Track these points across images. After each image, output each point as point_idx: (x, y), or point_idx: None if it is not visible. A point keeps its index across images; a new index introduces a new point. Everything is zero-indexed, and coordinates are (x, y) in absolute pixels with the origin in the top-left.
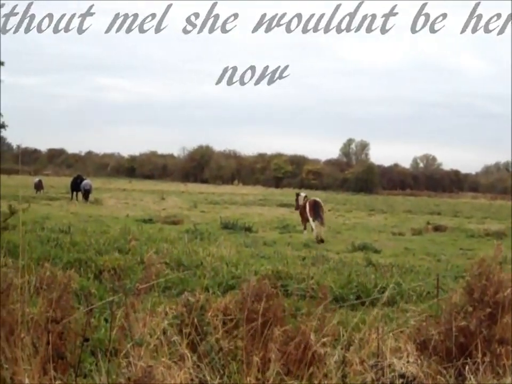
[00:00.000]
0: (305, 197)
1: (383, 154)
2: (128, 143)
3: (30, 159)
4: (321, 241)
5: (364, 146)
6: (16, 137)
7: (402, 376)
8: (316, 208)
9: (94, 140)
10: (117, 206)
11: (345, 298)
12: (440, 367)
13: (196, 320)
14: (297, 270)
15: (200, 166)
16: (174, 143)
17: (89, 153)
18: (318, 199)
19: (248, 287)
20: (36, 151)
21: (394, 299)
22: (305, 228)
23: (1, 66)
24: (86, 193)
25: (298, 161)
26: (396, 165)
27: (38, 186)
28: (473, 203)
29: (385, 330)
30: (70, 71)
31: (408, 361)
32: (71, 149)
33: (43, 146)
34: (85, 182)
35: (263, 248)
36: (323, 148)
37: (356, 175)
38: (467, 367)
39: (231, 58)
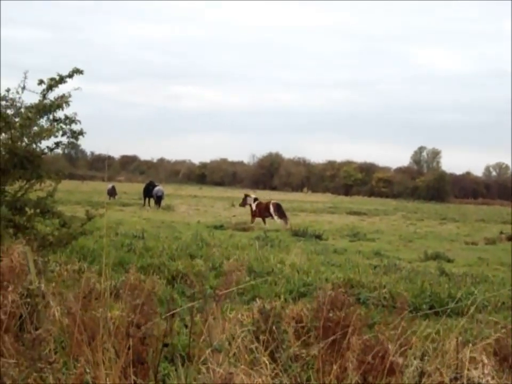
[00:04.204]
0: (256, 199)
1: (455, 162)
2: (199, 150)
3: (103, 166)
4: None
5: (435, 154)
6: (90, 144)
7: None
8: (279, 209)
9: (166, 147)
10: (188, 212)
11: (418, 308)
12: None
13: (274, 327)
14: (369, 278)
15: (270, 173)
16: (244, 150)
17: (161, 160)
18: (277, 201)
19: (324, 295)
20: (109, 158)
21: (468, 309)
22: (252, 222)
23: (81, 75)
24: (158, 200)
25: (368, 169)
26: (468, 173)
27: (111, 192)
28: None
29: (460, 341)
30: (144, 79)
31: (483, 373)
32: (144, 155)
33: (116, 153)
34: (157, 188)
35: (334, 256)
36: (394, 156)
37: (427, 183)
38: None
39: (301, 66)
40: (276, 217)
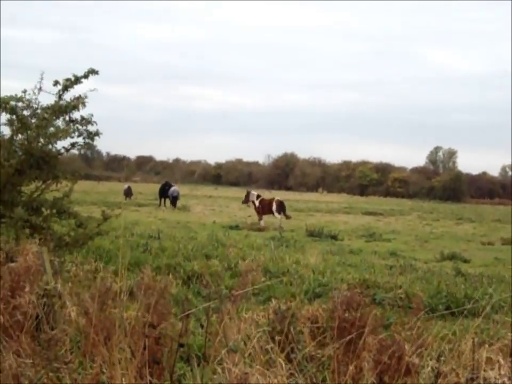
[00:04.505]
0: (259, 195)
1: (471, 162)
2: (215, 151)
3: (119, 166)
4: (281, 227)
5: (451, 154)
6: (106, 145)
7: None
8: (282, 206)
9: (181, 147)
10: (203, 213)
11: (434, 308)
12: None
13: (290, 328)
14: (385, 279)
15: (285, 174)
16: (259, 150)
17: (177, 161)
18: (281, 199)
19: (339, 295)
20: (124, 158)
21: (484, 310)
22: (260, 219)
23: (96, 76)
24: (174, 200)
25: (384, 169)
26: (484, 173)
27: (127, 193)
28: None
29: (476, 341)
30: (159, 80)
31: (500, 374)
32: (159, 156)
33: (132, 154)
34: (172, 188)
35: (349, 256)
36: (409, 156)
37: (443, 183)
38: None
39: (315, 66)
40: (276, 214)
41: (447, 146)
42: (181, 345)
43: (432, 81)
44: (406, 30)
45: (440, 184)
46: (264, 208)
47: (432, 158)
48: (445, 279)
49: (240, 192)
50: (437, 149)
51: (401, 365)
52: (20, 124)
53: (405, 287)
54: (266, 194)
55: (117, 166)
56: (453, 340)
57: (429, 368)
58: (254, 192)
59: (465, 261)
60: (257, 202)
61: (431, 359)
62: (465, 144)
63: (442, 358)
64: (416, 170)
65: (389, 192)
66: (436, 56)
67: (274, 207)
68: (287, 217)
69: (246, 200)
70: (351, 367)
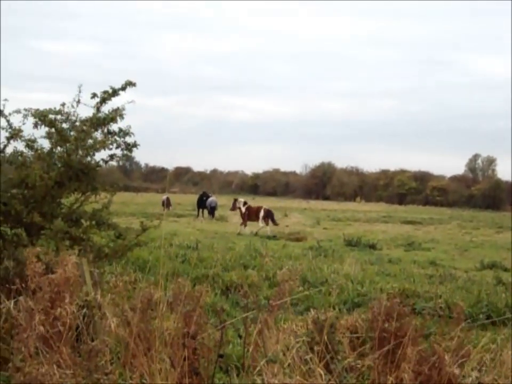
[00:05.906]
0: (245, 203)
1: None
2: (252, 161)
3: (157, 177)
4: (274, 236)
5: (490, 161)
6: (144, 156)
7: None
8: (270, 215)
9: (219, 158)
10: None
11: (475, 318)
12: None
13: (330, 338)
14: (425, 288)
15: (322, 183)
16: (296, 160)
17: (214, 171)
18: (268, 207)
19: (379, 305)
20: (163, 170)
21: None
22: (245, 225)
23: (133, 87)
24: (212, 210)
25: (422, 177)
26: None
27: (166, 203)
28: None
29: None
30: (197, 91)
31: None
32: (197, 167)
33: (170, 165)
34: (210, 199)
35: (388, 265)
36: (448, 164)
37: (482, 191)
38: None
39: (352, 75)
40: (262, 222)
41: (486, 154)
42: (220, 356)
43: (471, 87)
44: (444, 36)
45: (480, 192)
46: (250, 215)
47: (471, 166)
48: (485, 288)
49: (277, 202)
50: (476, 157)
51: (441, 375)
52: (59, 136)
53: (445, 296)
54: (304, 204)
55: (155, 177)
56: (494, 349)
57: (470, 378)
58: (241, 200)
59: (506, 270)
60: (243, 209)
61: (472, 370)
62: (505, 151)
63: (483, 368)
64: (455, 179)
65: (427, 201)
66: (475, 63)
67: (261, 215)
68: (275, 223)
69: (233, 207)
70: (391, 378)
